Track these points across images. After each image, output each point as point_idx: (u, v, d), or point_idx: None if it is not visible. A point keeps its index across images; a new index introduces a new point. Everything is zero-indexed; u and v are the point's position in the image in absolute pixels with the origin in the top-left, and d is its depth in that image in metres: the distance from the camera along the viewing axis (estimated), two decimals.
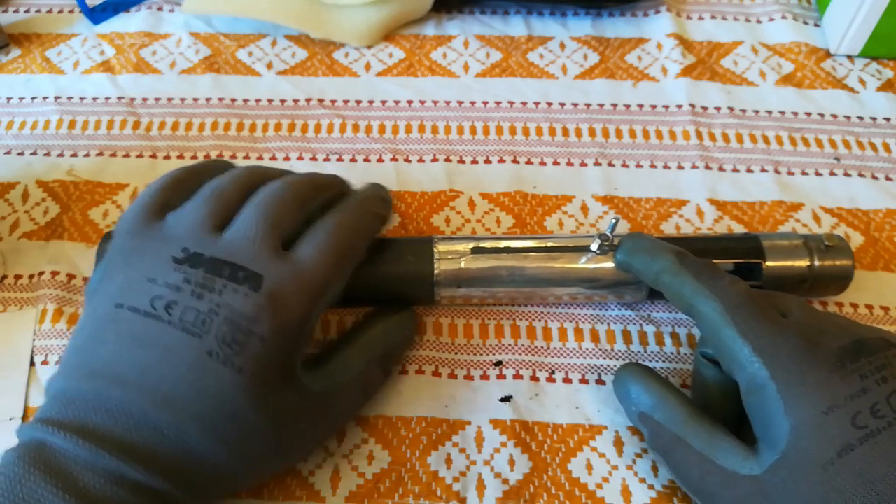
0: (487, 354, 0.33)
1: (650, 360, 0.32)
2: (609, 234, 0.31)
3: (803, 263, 0.32)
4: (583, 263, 0.31)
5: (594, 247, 0.31)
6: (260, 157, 0.40)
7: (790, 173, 0.39)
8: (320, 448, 0.30)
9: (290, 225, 0.27)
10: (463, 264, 0.31)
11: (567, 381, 0.32)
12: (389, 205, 0.32)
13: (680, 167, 0.39)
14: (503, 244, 0.32)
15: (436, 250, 0.31)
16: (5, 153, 0.40)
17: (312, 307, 0.26)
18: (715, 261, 0.31)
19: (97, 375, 0.23)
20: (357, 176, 0.39)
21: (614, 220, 0.31)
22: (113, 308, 0.25)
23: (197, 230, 0.26)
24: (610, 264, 0.31)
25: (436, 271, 0.31)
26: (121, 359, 0.23)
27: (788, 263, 0.32)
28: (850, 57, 0.44)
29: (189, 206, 0.27)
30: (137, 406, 0.23)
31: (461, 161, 0.40)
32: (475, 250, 0.31)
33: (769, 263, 0.32)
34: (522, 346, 0.33)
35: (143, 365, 0.23)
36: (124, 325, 0.24)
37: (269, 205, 0.27)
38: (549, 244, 0.32)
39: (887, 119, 0.42)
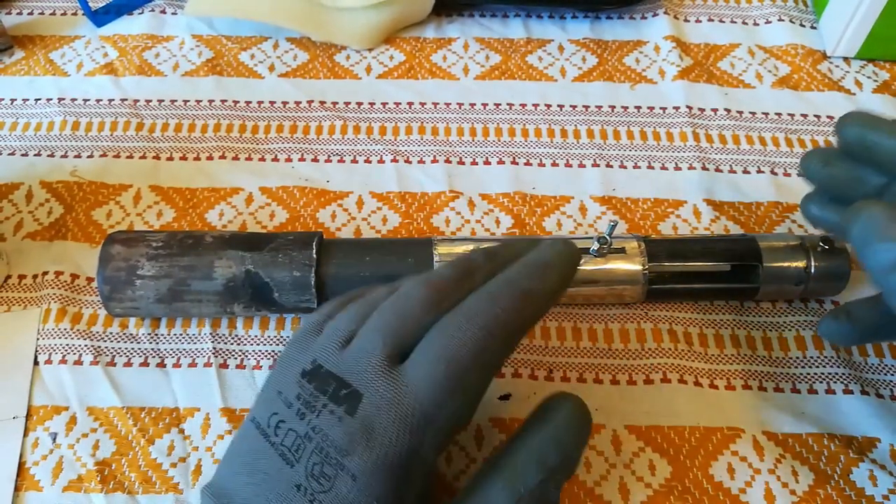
0: None
1: (649, 357, 0.33)
2: (608, 237, 0.31)
3: (800, 264, 0.32)
4: (581, 265, 0.31)
5: (593, 249, 0.31)
6: (262, 159, 0.40)
7: (786, 174, 0.40)
8: None
9: (412, 332, 0.23)
10: None
11: (565, 379, 0.32)
12: (556, 271, 0.24)
13: (677, 168, 0.40)
14: None
15: (436, 252, 0.32)
16: (9, 154, 0.41)
17: (418, 439, 0.21)
18: (713, 263, 0.31)
19: (223, 494, 0.22)
20: (357, 177, 0.39)
21: (613, 224, 0.31)
22: (249, 420, 0.24)
23: (331, 341, 0.24)
24: (609, 265, 0.31)
25: None
26: (236, 480, 0.22)
27: (785, 264, 0.32)
28: (846, 59, 0.45)
29: (336, 317, 0.25)
30: None
31: (461, 162, 0.40)
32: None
33: (766, 264, 0.32)
34: (521, 344, 0.33)
35: (246, 492, 0.22)
36: (247, 442, 0.23)
37: (386, 309, 0.23)
38: None
39: None
